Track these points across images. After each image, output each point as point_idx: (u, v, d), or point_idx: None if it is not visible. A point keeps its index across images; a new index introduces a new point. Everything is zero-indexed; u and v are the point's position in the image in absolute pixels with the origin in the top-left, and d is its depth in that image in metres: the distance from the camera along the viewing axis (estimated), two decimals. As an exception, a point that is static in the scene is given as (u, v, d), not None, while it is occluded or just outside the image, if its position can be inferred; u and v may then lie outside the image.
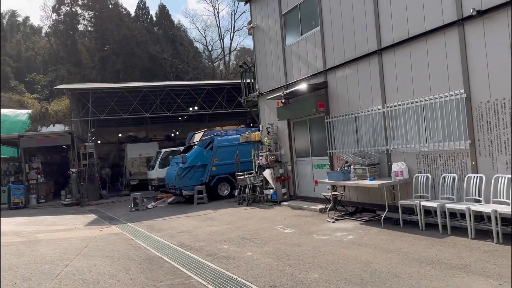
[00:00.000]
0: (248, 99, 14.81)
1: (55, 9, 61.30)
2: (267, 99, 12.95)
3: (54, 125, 27.21)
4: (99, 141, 30.79)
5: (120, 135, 30.99)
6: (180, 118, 28.67)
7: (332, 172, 9.70)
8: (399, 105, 8.74)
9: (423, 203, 7.62)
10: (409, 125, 8.58)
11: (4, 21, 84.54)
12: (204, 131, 17.44)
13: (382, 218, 8.44)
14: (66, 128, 23.31)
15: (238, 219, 11.06)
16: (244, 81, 15.32)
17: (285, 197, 12.84)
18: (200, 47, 61.88)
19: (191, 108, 24.16)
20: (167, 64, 55.14)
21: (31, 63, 65.96)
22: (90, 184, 20.61)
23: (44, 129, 27.08)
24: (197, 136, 17.20)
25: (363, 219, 9.16)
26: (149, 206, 15.78)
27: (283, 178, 12.78)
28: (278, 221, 10.10)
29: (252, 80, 14.77)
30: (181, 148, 18.97)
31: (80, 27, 63.65)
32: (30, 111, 33.31)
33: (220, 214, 12.28)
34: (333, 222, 9.29)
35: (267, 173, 12.70)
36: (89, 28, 63.50)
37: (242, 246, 7.88)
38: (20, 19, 79.01)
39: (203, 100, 23.48)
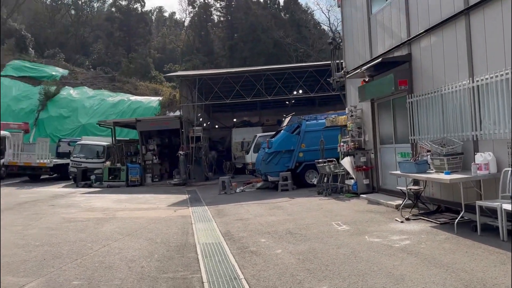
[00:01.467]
0: (337, 79, 13.54)
1: (191, 2, 66.26)
2: (347, 77, 11.60)
3: (179, 111, 29.43)
4: (216, 126, 32.34)
5: (234, 120, 32.01)
6: (287, 102, 28.21)
7: (404, 162, 8.14)
8: (489, 78, 6.80)
9: (505, 206, 5.79)
10: (501, 103, 6.61)
11: (153, 17, 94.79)
12: (292, 115, 16.66)
13: (456, 222, 6.73)
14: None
15: (303, 210, 10.19)
16: (337, 61, 14.02)
17: (367, 189, 11.43)
18: (326, 29, 60.41)
19: (295, 92, 23.48)
20: (291, 49, 55.11)
21: (174, 54, 72.74)
22: (197, 166, 21.66)
23: (171, 114, 29.51)
24: (287, 121, 16.54)
25: (438, 221, 7.49)
26: (237, 190, 15.80)
27: (364, 167, 11.36)
28: (340, 216, 8.96)
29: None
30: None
31: (213, 18, 67.85)
32: (161, 98, 36.76)
33: (292, 203, 11.52)
34: (402, 221, 7.81)
35: (346, 161, 11.44)
36: (221, 18, 67.20)
37: (280, 241, 7.11)
38: (166, 14, 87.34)
39: (308, 83, 22.58)
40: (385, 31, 10.22)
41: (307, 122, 15.32)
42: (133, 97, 36.76)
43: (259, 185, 16.24)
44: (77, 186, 19.94)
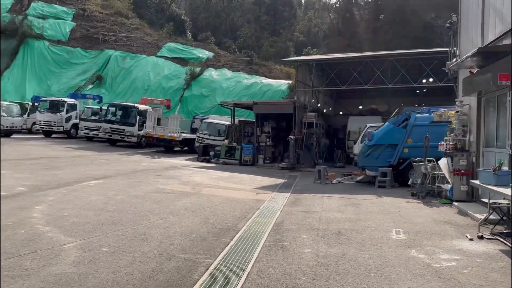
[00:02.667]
0: (451, 69, 11.89)
1: (336, -15, 64.71)
2: (450, 67, 10.09)
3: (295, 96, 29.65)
4: (340, 112, 31.54)
5: (360, 107, 30.71)
6: (417, 91, 25.79)
7: (484, 171, 6.86)
8: None
9: None
10: None
11: (302, 0, 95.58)
12: (402, 106, 15.22)
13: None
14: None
15: (377, 211, 9.42)
16: (453, 48, 12.33)
17: (466, 196, 9.93)
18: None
19: (424, 80, 21.32)
20: (443, 32, 49.85)
21: (317, 38, 72.58)
22: (307, 152, 21.61)
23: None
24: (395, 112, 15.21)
25: (516, 246, 6.19)
26: (334, 181, 15.35)
27: (463, 171, 9.86)
28: (410, 224, 8.06)
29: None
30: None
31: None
32: (290, 81, 37.33)
33: (373, 202, 10.71)
34: (471, 239, 6.68)
35: (442, 163, 10.11)
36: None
37: (319, 240, 6.80)
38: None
39: (437, 70, 20.25)
40: (497, 15, 8.56)
41: (417, 115, 13.88)
42: (265, 80, 38.12)
43: (359, 178, 15.47)
44: (197, 160, 21.82)
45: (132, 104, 26.17)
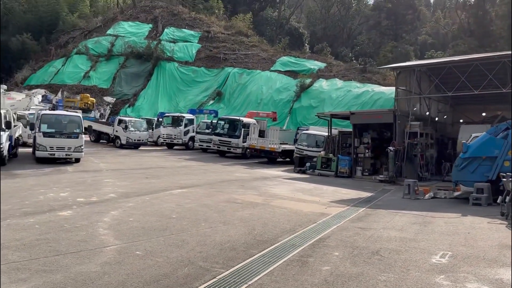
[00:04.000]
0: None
1: (466, -20, 58.84)
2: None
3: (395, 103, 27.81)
4: (461, 120, 28.56)
5: (484, 114, 27.37)
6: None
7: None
8: None
9: None
10: None
11: (431, 1, 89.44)
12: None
13: None
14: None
15: (442, 231, 8.56)
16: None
17: None
18: None
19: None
20: None
21: (446, 39, 66.85)
22: (410, 163, 20.16)
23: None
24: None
25: None
26: (426, 196, 14.13)
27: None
28: (465, 247, 7.19)
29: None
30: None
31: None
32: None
33: (449, 221, 9.66)
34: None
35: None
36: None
37: (348, 259, 6.59)
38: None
39: None
40: None
41: (521, 124, 12.07)
42: (377, 88, 36.63)
43: (456, 194, 13.95)
44: (294, 171, 22.10)
45: (238, 117, 27.72)
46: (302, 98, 39.12)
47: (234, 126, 26.72)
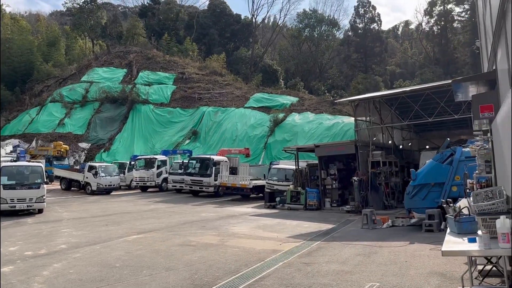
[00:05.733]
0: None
1: (427, 12, 61.78)
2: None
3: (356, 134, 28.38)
4: (427, 146, 29.25)
5: (448, 139, 28.09)
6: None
7: (449, 219, 6.02)
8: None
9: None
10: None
11: (399, 32, 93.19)
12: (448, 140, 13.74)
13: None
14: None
15: (381, 262, 8.63)
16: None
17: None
18: None
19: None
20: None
21: (414, 68, 69.17)
22: (375, 192, 20.42)
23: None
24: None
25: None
26: (384, 225, 14.29)
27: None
28: (396, 277, 7.29)
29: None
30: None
31: (455, 25, 61.18)
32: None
33: (394, 250, 9.78)
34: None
35: (462, 203, 8.89)
36: (464, 23, 59.82)
37: (276, 297, 6.58)
38: (412, 26, 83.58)
39: None
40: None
41: (464, 149, 12.47)
42: (347, 119, 37.38)
43: (413, 221, 14.16)
44: (264, 207, 22.11)
45: (208, 156, 27.90)
46: (276, 132, 39.64)
47: (205, 165, 26.81)
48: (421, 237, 11.47)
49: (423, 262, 8.35)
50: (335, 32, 69.43)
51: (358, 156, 20.51)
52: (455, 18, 60.47)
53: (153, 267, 8.95)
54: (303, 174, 23.34)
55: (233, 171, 27.41)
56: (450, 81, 21.02)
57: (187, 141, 44.04)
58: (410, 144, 27.21)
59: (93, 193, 27.08)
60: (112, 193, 28.34)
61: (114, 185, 28.48)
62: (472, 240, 4.96)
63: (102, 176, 27.47)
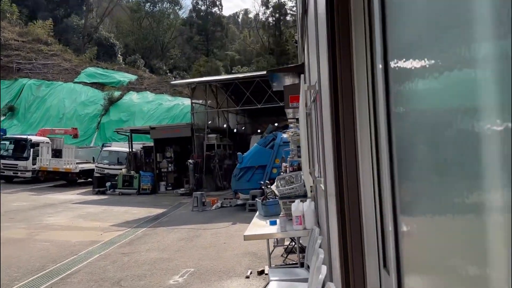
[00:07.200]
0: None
1: (264, 3, 65.68)
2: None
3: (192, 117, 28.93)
4: (258, 131, 31.17)
5: (276, 124, 30.48)
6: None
7: (258, 202, 6.35)
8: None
9: None
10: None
11: (239, 20, 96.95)
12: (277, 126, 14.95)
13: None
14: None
15: (202, 245, 8.76)
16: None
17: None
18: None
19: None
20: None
21: (252, 56, 72.94)
22: (209, 174, 20.91)
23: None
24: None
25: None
26: (213, 207, 14.66)
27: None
28: (212, 260, 7.41)
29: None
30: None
31: (288, 18, 66.50)
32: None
33: (217, 232, 10.07)
34: (247, 277, 6.13)
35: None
36: (294, 18, 65.64)
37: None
38: (251, 15, 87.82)
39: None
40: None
41: (283, 136, 13.54)
42: (188, 101, 37.33)
43: (239, 201, 14.85)
44: (92, 193, 20.51)
45: (25, 136, 24.50)
46: (111, 112, 37.14)
47: (21, 147, 23.49)
48: (244, 217, 12.04)
49: (240, 242, 8.70)
50: (178, 10, 68.34)
51: (194, 139, 20.59)
52: (288, 12, 65.57)
53: None
54: (138, 157, 22.41)
55: (57, 153, 24.67)
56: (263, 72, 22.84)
57: (2, 118, 37.99)
58: (243, 128, 28.58)
59: None
60: None
61: None
62: (273, 223, 5.24)
63: None
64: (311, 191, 4.91)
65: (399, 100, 1.05)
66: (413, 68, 0.88)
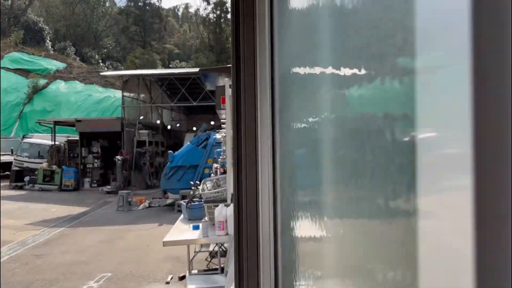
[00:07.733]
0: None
1: (205, -2, 65.07)
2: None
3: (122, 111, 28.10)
4: (194, 128, 30.74)
5: (212, 122, 30.28)
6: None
7: (183, 205, 6.21)
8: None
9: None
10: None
11: (179, 13, 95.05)
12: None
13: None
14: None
15: (125, 247, 8.41)
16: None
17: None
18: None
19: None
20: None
21: (191, 51, 71.90)
22: (139, 172, 20.22)
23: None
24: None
25: None
26: (140, 207, 14.17)
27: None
28: (135, 264, 7.13)
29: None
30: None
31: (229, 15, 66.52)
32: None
33: (141, 234, 9.75)
34: (167, 282, 5.95)
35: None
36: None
37: None
38: (192, 10, 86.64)
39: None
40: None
41: (217, 136, 13.41)
42: (120, 94, 35.88)
43: (168, 201, 14.49)
44: (9, 188, 19.01)
45: None
46: (35, 101, 34.71)
47: None
48: (172, 217, 11.72)
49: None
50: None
51: (123, 134, 19.79)
52: (229, 9, 65.52)
53: None
54: (61, 151, 21.11)
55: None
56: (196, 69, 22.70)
57: None
58: (178, 125, 28.01)
59: None
60: None
61: None
62: (196, 228, 5.12)
63: None
64: (231, 199, 4.86)
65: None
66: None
